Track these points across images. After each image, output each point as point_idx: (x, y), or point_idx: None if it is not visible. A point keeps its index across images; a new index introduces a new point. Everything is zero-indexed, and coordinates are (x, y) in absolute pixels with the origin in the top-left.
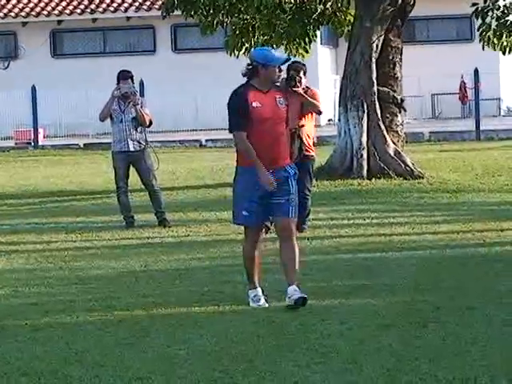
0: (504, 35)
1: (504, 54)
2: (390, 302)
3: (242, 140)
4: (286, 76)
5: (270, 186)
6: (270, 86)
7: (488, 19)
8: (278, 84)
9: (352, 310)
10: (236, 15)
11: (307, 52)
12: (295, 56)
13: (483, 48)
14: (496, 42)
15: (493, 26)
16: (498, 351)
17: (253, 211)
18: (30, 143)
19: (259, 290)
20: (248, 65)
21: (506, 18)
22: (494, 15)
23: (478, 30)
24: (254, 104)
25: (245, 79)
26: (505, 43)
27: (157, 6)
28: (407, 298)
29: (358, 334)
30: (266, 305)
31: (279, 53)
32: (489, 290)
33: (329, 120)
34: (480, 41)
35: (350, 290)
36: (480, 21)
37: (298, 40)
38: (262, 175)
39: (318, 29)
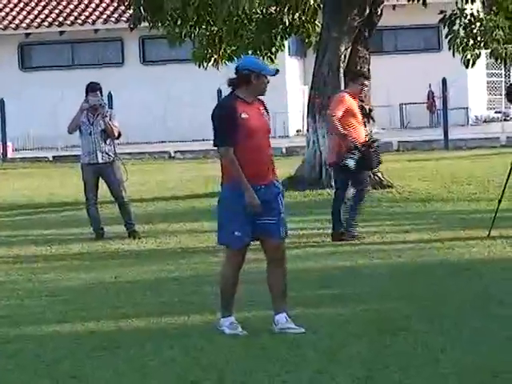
0: (470, 45)
1: (467, 67)
2: (360, 310)
3: (229, 156)
4: None
5: (256, 209)
6: (255, 97)
7: (455, 27)
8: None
9: (322, 319)
10: (204, 26)
11: (273, 62)
12: None
13: (453, 55)
14: (461, 52)
15: (461, 34)
16: (469, 360)
17: (245, 232)
18: None
19: (233, 317)
20: (236, 73)
21: (472, 27)
22: (462, 23)
23: (446, 38)
24: (243, 115)
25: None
26: (468, 56)
27: (124, 18)
28: (377, 307)
29: (329, 343)
30: (245, 332)
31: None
32: (459, 298)
33: (297, 131)
34: (449, 48)
35: (320, 299)
36: (447, 29)
37: (263, 50)
38: (248, 197)
39: (286, 39)
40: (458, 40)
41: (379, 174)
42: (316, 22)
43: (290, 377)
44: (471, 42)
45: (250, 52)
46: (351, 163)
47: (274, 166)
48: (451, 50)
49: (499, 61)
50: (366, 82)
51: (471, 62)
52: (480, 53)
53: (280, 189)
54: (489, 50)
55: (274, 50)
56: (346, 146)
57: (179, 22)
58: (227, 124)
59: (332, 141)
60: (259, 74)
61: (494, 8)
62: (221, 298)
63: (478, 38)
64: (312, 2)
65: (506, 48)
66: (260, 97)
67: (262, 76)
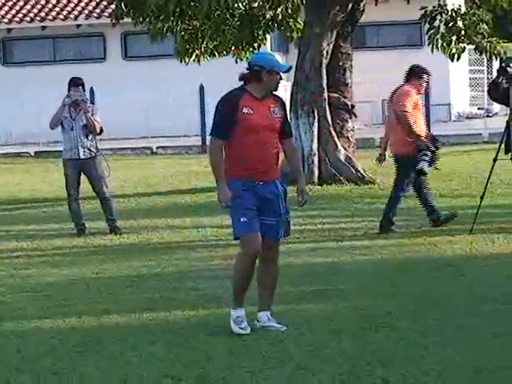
0: (453, 41)
1: (452, 60)
2: (341, 307)
3: (216, 148)
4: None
5: (225, 201)
6: (265, 94)
7: (436, 23)
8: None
9: (304, 315)
10: (186, 21)
11: None
12: (241, 61)
13: (432, 51)
14: (445, 46)
15: (441, 30)
16: (451, 356)
17: (252, 217)
18: None
19: (243, 311)
20: (247, 69)
21: (454, 23)
22: (443, 19)
23: (427, 34)
24: (245, 110)
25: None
26: (453, 50)
27: (107, 14)
28: (359, 303)
29: (311, 339)
30: (249, 330)
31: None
32: (441, 294)
33: None
34: (429, 44)
35: (301, 295)
36: (428, 25)
37: (246, 46)
38: (219, 189)
39: (268, 33)
40: (439, 36)
41: (361, 170)
42: (298, 17)
43: (271, 373)
44: (454, 37)
45: (232, 48)
46: (425, 166)
47: (277, 165)
48: (430, 47)
49: (484, 55)
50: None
51: (456, 56)
52: (465, 47)
53: (281, 190)
54: (473, 46)
55: (256, 45)
56: (415, 147)
57: (161, 17)
58: (224, 116)
59: (398, 132)
60: (270, 71)
61: (477, 1)
62: (233, 289)
63: (462, 33)
64: None
65: (490, 42)
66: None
67: (273, 72)
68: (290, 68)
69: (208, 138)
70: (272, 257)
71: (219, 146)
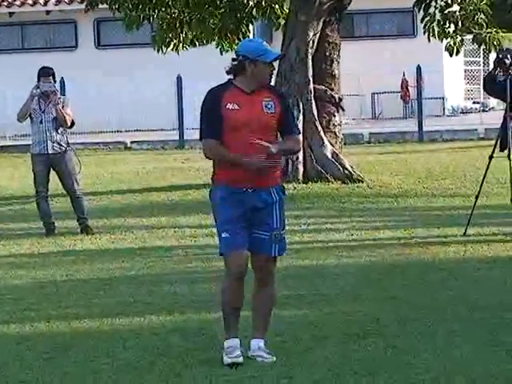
0: (449, 29)
1: (451, 55)
2: (327, 312)
3: (212, 148)
4: None
5: (255, 165)
6: (256, 87)
7: (431, 9)
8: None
9: (287, 321)
10: (163, 9)
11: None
12: (226, 52)
13: (429, 40)
14: (442, 34)
15: (437, 17)
16: (442, 364)
17: (235, 232)
18: None
19: (236, 341)
20: (233, 60)
21: (450, 10)
22: (438, 5)
23: (422, 22)
24: (229, 106)
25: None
26: (452, 43)
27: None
28: (345, 309)
29: (294, 346)
30: (241, 359)
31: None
32: (432, 299)
33: None
34: (424, 33)
35: (284, 300)
36: (422, 12)
37: (230, 36)
38: (246, 163)
39: (252, 23)
40: (435, 24)
41: (349, 168)
42: (284, 2)
43: (252, 382)
44: (452, 27)
45: (215, 38)
46: None
47: (277, 170)
48: (426, 35)
49: (482, 47)
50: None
51: (455, 50)
52: (463, 39)
53: (277, 198)
54: (470, 36)
55: (240, 35)
56: None
57: (138, 5)
58: (208, 115)
59: None
60: (255, 61)
61: None
62: (222, 316)
63: (459, 24)
64: None
65: (489, 33)
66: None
67: (259, 63)
68: (279, 57)
69: (186, 131)
70: (264, 279)
71: (214, 145)
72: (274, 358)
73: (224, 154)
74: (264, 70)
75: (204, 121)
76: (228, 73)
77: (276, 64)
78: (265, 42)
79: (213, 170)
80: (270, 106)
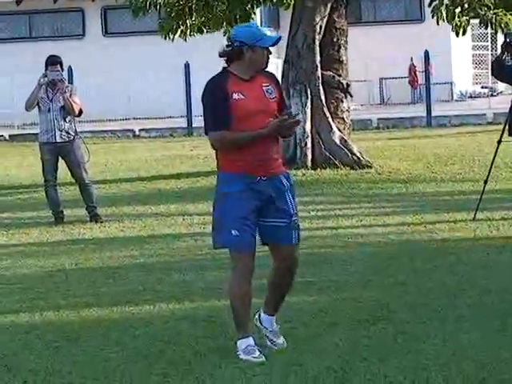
0: (456, 14)
1: (457, 35)
2: (336, 299)
3: (224, 137)
4: None
5: (278, 125)
6: (253, 73)
7: None
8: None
9: (296, 308)
10: None
11: None
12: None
13: (438, 23)
14: (450, 18)
15: (445, 1)
16: (452, 350)
17: (245, 230)
18: None
19: (251, 339)
20: (227, 46)
21: None
22: None
23: (430, 6)
24: (236, 95)
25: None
26: (458, 23)
27: None
28: (355, 295)
29: (303, 333)
30: (263, 358)
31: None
32: (441, 284)
33: None
34: (433, 17)
35: (294, 286)
36: None
37: (238, 21)
38: (264, 133)
39: (257, 7)
40: (443, 8)
41: (357, 153)
42: None
43: (261, 369)
44: (458, 9)
45: (223, 25)
46: None
47: (279, 157)
48: (435, 19)
49: (488, 29)
50: None
51: (462, 30)
52: (469, 19)
53: (288, 186)
54: (476, 21)
55: (247, 22)
56: None
57: None
58: (216, 106)
59: None
60: (253, 47)
61: None
62: (233, 317)
63: (466, 5)
64: None
65: (496, 14)
66: (268, 70)
67: (257, 48)
68: (279, 40)
69: (194, 118)
70: (290, 267)
71: (224, 133)
72: (285, 344)
73: (239, 137)
74: (262, 56)
75: (210, 112)
76: (221, 56)
77: (283, 50)
78: (260, 26)
79: (217, 162)
80: (270, 91)
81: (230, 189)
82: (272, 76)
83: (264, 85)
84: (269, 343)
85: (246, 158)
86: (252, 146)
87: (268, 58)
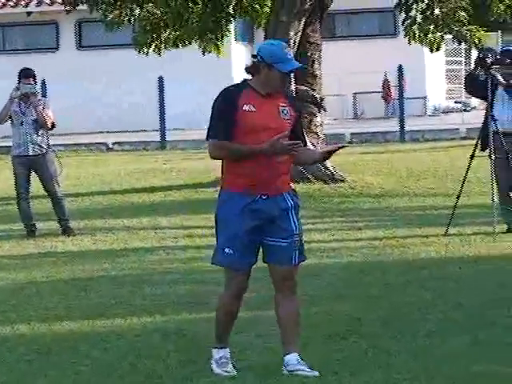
0: (430, 30)
1: (432, 51)
2: (307, 313)
3: (222, 147)
4: None
5: (276, 146)
6: (270, 90)
7: (413, 12)
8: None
9: (269, 321)
10: (144, 9)
11: (218, 48)
12: (208, 53)
13: (409, 43)
14: (423, 37)
15: (418, 20)
16: (423, 364)
17: (238, 249)
18: None
19: (227, 351)
20: (253, 56)
21: (431, 11)
22: (419, 8)
23: (403, 24)
24: (246, 107)
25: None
26: (432, 39)
27: (60, 0)
28: (327, 309)
29: (276, 347)
30: (234, 372)
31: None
32: (413, 299)
33: None
34: (405, 36)
35: (266, 300)
36: (404, 14)
37: (210, 35)
38: (264, 151)
39: (231, 22)
40: (416, 27)
41: (330, 168)
42: (265, 2)
43: (233, 383)
44: (432, 26)
45: (196, 38)
46: None
47: (288, 174)
48: (407, 38)
49: (462, 45)
50: None
51: (436, 46)
52: (442, 36)
53: (293, 204)
54: (450, 36)
55: (219, 35)
56: None
57: (118, 4)
58: (222, 114)
59: None
60: (270, 66)
61: None
62: (215, 328)
63: (440, 22)
64: None
65: (469, 30)
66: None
67: (274, 69)
68: (297, 69)
69: (168, 132)
70: (289, 288)
71: (224, 142)
72: (317, 373)
73: (238, 148)
74: (277, 78)
75: (215, 120)
76: (245, 70)
77: None
78: (287, 48)
79: (221, 176)
80: (285, 112)
81: (228, 204)
82: (292, 100)
83: (281, 105)
84: (302, 373)
85: (249, 176)
86: (254, 163)
87: (285, 81)
